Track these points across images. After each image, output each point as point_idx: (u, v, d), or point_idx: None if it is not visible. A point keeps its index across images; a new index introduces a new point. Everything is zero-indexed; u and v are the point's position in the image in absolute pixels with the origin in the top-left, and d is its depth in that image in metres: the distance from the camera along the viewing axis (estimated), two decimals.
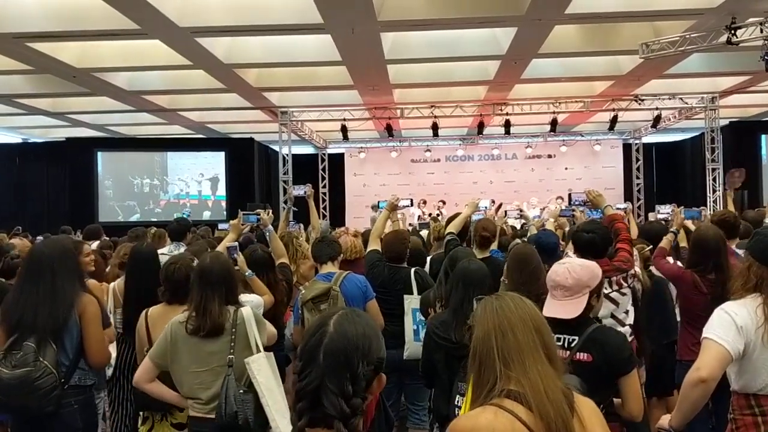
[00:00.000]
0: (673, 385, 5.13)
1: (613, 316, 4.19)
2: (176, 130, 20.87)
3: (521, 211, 8.96)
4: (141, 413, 4.04)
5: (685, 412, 3.01)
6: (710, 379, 2.89)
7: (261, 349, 3.54)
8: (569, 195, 6.09)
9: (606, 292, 4.19)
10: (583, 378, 2.79)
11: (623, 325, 4.30)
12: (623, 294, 4.29)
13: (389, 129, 18.29)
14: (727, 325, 2.93)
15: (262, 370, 3.46)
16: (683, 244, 5.92)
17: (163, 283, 4.08)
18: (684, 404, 3.01)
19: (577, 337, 3.11)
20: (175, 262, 4.13)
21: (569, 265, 3.22)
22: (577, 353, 3.08)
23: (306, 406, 1.66)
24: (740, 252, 5.18)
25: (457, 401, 3.51)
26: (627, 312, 4.34)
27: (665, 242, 5.29)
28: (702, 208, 5.97)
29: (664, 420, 3.10)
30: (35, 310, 3.64)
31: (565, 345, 3.11)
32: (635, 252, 4.79)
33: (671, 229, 5.58)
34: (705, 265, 4.61)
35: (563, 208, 7.95)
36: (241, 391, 3.42)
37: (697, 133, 19.90)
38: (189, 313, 3.56)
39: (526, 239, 6.84)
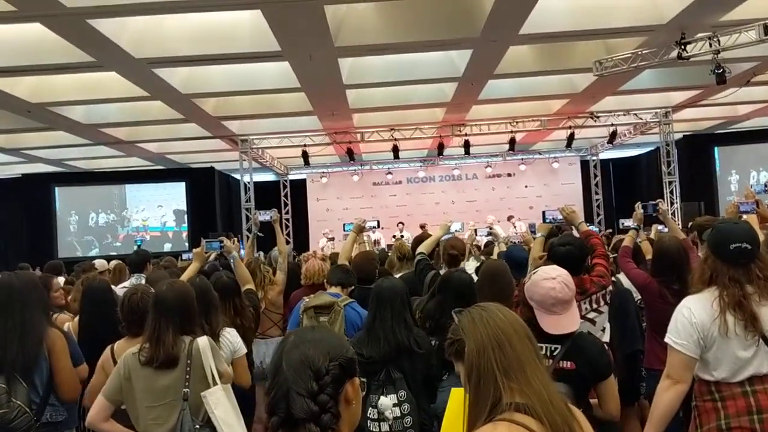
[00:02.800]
0: (638, 392, 5.19)
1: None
2: (135, 162, 20.66)
3: (491, 228, 9.02)
4: None
5: (659, 418, 3.07)
6: (681, 382, 3.02)
7: (218, 381, 3.38)
8: (543, 213, 6.11)
9: (583, 313, 4.22)
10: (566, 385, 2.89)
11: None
12: (600, 312, 4.29)
13: (350, 153, 18.35)
14: (685, 326, 3.05)
15: (220, 404, 3.31)
16: (648, 255, 5.98)
17: (126, 316, 3.96)
18: (658, 409, 3.08)
19: (558, 346, 3.17)
20: (135, 293, 4.03)
21: (560, 278, 3.23)
22: (560, 361, 3.14)
23: (278, 422, 1.65)
24: None
25: (369, 413, 3.75)
26: (603, 329, 4.36)
27: (628, 240, 5.30)
28: (659, 200, 6.03)
29: None
30: (4, 345, 3.55)
31: (548, 354, 3.16)
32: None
33: (632, 226, 5.62)
34: (668, 275, 4.68)
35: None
36: (197, 426, 3.27)
37: (652, 148, 20.30)
38: (142, 344, 3.42)
39: (492, 256, 6.88)
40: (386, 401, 3.78)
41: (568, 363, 3.15)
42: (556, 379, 2.61)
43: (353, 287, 5.30)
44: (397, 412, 3.79)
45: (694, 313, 3.03)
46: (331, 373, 1.68)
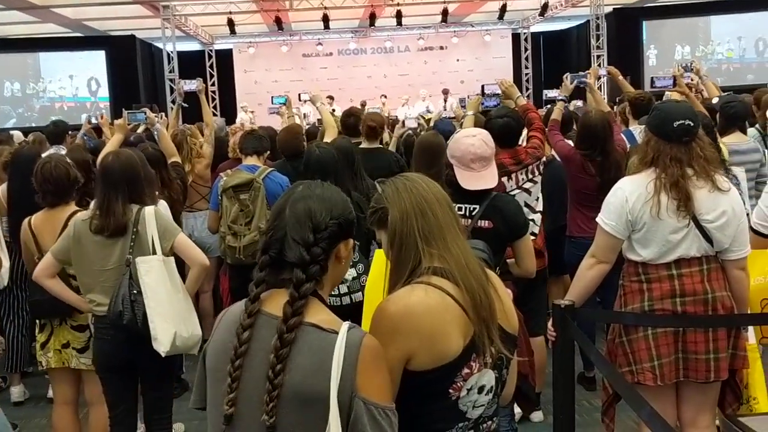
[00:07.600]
0: (564, 266, 5.35)
1: (527, 205, 4.26)
2: (51, 29, 19.52)
3: (421, 117, 9.18)
4: (38, 321, 3.94)
5: (580, 291, 3.20)
6: (604, 261, 3.13)
7: (158, 251, 3.43)
8: (482, 87, 6.12)
9: (520, 183, 4.33)
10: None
11: (535, 211, 4.43)
12: (535, 182, 4.41)
13: (279, 22, 17.78)
14: (616, 207, 3.06)
15: (152, 272, 3.38)
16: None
17: (39, 185, 3.82)
18: (579, 283, 3.21)
19: (477, 206, 3.34)
20: (48, 161, 3.89)
21: (481, 136, 3.39)
22: (479, 221, 3.32)
23: (267, 261, 1.77)
24: (635, 131, 5.40)
25: None
26: (538, 199, 4.49)
27: (556, 113, 5.34)
28: (588, 72, 6.08)
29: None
30: None
31: (467, 213, 3.33)
32: None
33: (559, 97, 5.66)
34: (593, 149, 4.79)
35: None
36: (134, 291, 3.35)
37: (582, 21, 20.28)
38: (93, 212, 3.45)
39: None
40: None
41: (486, 222, 3.34)
42: (473, 238, 2.73)
43: (268, 151, 5.31)
44: (353, 272, 3.95)
45: (627, 194, 3.04)
46: (329, 230, 1.78)
